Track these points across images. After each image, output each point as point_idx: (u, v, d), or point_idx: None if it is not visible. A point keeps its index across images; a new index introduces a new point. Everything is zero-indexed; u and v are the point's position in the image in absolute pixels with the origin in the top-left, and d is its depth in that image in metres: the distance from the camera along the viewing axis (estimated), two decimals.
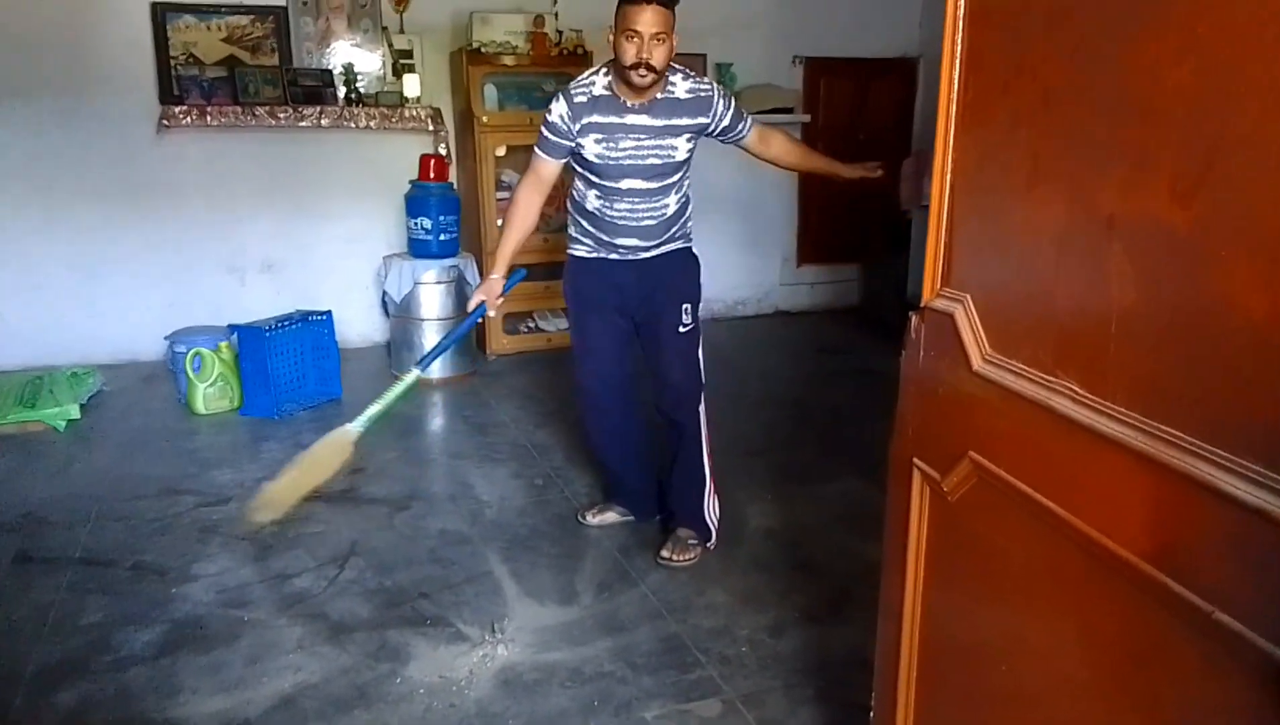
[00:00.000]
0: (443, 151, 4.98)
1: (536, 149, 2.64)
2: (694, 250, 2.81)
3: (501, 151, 4.89)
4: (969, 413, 1.27)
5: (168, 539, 2.94)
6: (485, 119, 4.84)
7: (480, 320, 2.79)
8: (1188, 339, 0.93)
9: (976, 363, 1.25)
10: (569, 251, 2.81)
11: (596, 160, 2.57)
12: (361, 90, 4.92)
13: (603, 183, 2.61)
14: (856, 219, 6.11)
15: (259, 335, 4.05)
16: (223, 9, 4.76)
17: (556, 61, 4.90)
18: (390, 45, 5.00)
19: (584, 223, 2.72)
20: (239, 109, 4.68)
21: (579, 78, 2.61)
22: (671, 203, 2.66)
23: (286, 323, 4.19)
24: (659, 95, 2.53)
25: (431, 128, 4.98)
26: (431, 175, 4.62)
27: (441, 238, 4.59)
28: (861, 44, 5.94)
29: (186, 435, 3.89)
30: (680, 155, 2.60)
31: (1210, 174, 0.90)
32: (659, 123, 2.54)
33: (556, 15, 4.95)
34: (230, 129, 4.74)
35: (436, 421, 4.27)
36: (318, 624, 2.46)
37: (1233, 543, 0.87)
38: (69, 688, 2.18)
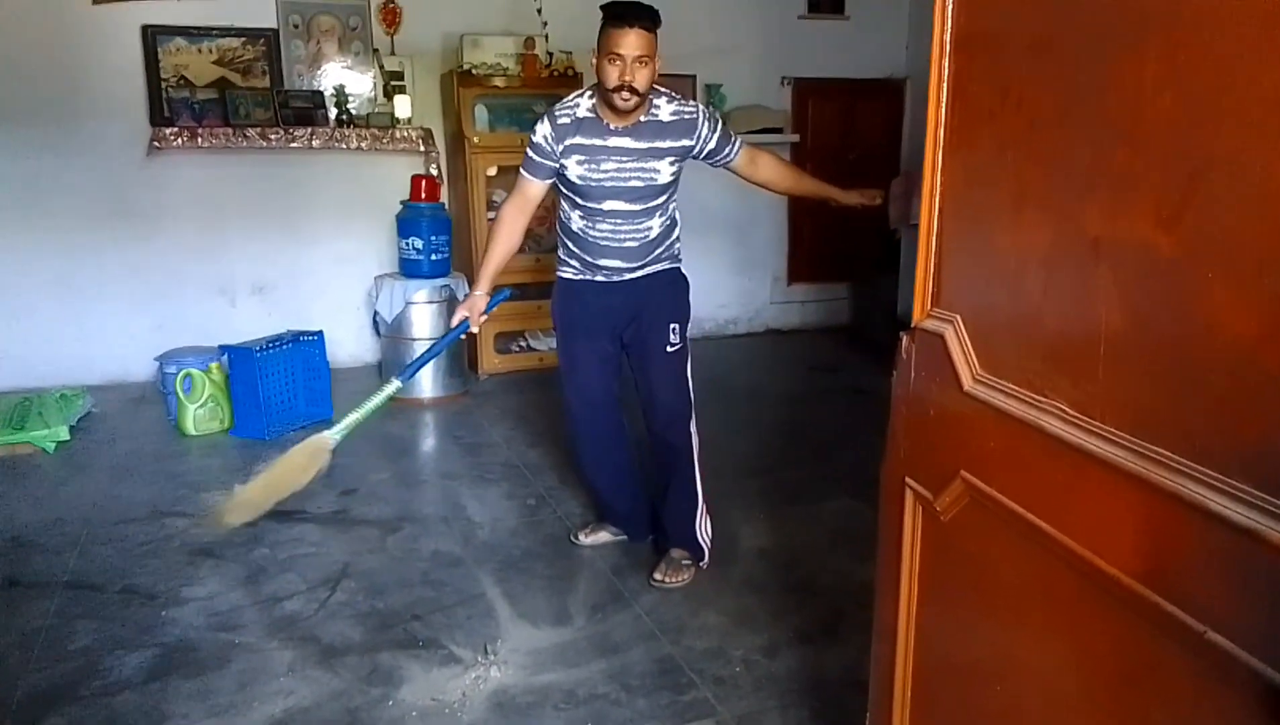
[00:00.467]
0: (434, 172, 4.99)
1: (522, 169, 2.66)
2: (683, 271, 2.81)
3: (492, 172, 4.91)
4: (960, 433, 1.28)
5: (157, 562, 2.92)
6: (476, 140, 4.86)
7: (463, 336, 2.77)
8: (1175, 360, 0.95)
9: (967, 383, 1.26)
10: (557, 273, 2.82)
11: (579, 181, 2.58)
12: (353, 112, 4.94)
13: (585, 204, 2.63)
14: (847, 238, 6.13)
15: (249, 356, 4.05)
16: (214, 31, 4.78)
17: (547, 83, 4.93)
18: (381, 67, 5.03)
19: (570, 244, 2.73)
20: (230, 131, 4.69)
21: (565, 100, 2.63)
22: (655, 225, 2.66)
23: (277, 343, 4.19)
24: (642, 118, 2.54)
25: (423, 149, 5.00)
26: (423, 196, 4.64)
27: (433, 258, 4.60)
28: (849, 65, 6.00)
29: (176, 457, 3.88)
30: (663, 178, 2.60)
31: (1194, 198, 0.91)
32: (642, 145, 2.54)
33: (547, 38, 4.99)
34: (221, 151, 4.75)
35: (428, 442, 4.26)
36: (309, 647, 2.44)
37: (1224, 563, 0.88)
38: (57, 713, 2.16)
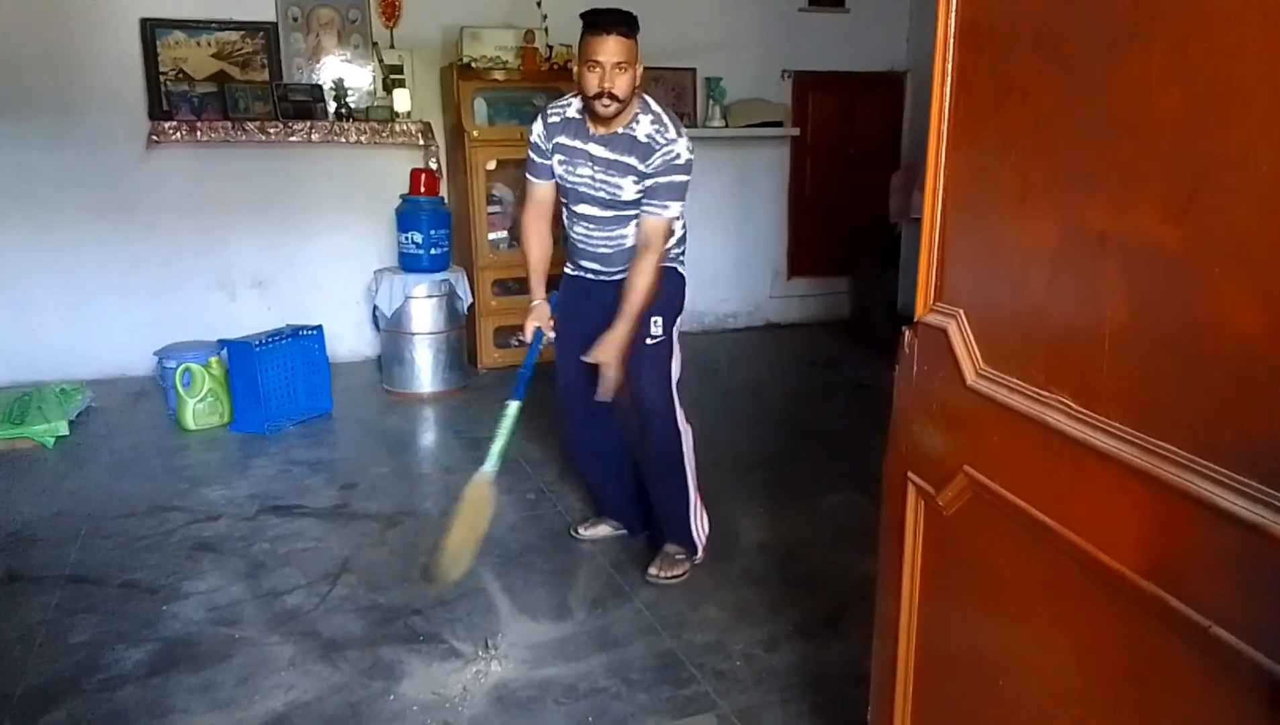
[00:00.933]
0: (433, 166, 4.98)
1: (526, 174, 2.70)
2: (678, 270, 2.72)
3: (492, 166, 4.90)
4: (963, 427, 1.28)
5: (158, 557, 2.92)
6: (476, 134, 4.85)
7: (542, 346, 2.76)
8: (1181, 355, 0.94)
9: (970, 377, 1.26)
10: (565, 267, 2.85)
11: (560, 180, 2.64)
12: (352, 105, 4.93)
13: (565, 203, 2.68)
14: (846, 232, 6.15)
15: (249, 350, 4.04)
16: (213, 24, 4.76)
17: (546, 77, 4.92)
18: (380, 61, 5.01)
19: (566, 240, 2.76)
20: (229, 124, 4.68)
21: (559, 99, 2.66)
22: (629, 233, 2.62)
23: (277, 338, 4.18)
24: (620, 129, 2.51)
25: (422, 142, 5.00)
26: (422, 190, 4.63)
27: (432, 252, 4.59)
28: (850, 58, 5.99)
29: (176, 451, 3.87)
30: (626, 195, 2.55)
31: (1201, 193, 0.91)
32: (611, 156, 2.53)
33: (547, 31, 4.97)
34: (220, 145, 4.74)
35: (428, 436, 4.26)
36: (310, 642, 2.44)
37: (1229, 558, 0.88)
38: (59, 708, 2.16)
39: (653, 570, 2.75)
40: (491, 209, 5.09)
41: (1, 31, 4.45)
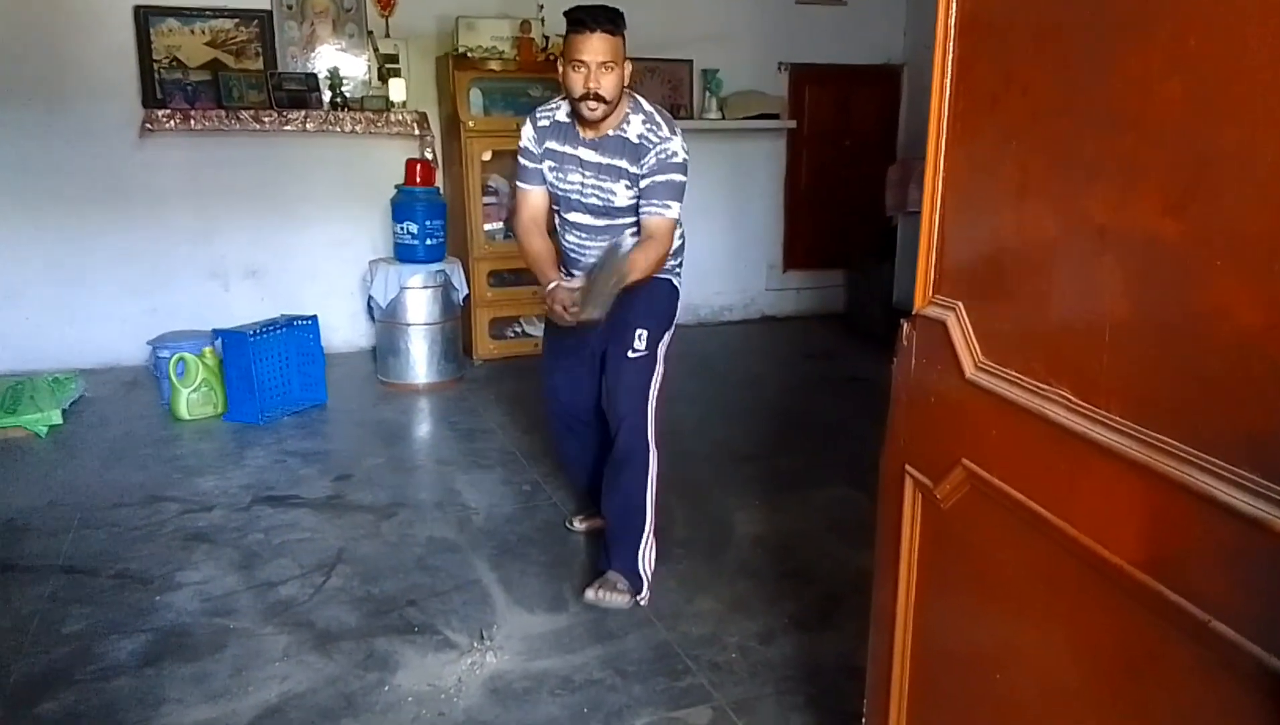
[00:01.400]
0: (429, 156, 4.97)
1: (517, 181, 2.59)
2: (674, 282, 2.64)
3: (487, 156, 4.88)
4: (961, 420, 1.28)
5: (151, 547, 2.91)
6: (471, 124, 4.83)
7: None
8: (1180, 348, 0.94)
9: (969, 370, 1.25)
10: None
11: (550, 187, 2.55)
12: (347, 95, 4.91)
13: (557, 210, 2.60)
14: (842, 225, 6.14)
15: (243, 340, 4.02)
16: (207, 12, 4.73)
17: (543, 67, 4.89)
18: (375, 50, 4.99)
19: (559, 244, 2.67)
20: (223, 113, 4.65)
21: (547, 102, 2.57)
22: (624, 243, 2.48)
23: (271, 328, 4.17)
24: (611, 131, 2.42)
25: (417, 132, 4.97)
26: (417, 180, 4.61)
27: (428, 242, 4.57)
28: (846, 51, 5.97)
29: (170, 441, 3.86)
30: (620, 201, 2.46)
31: (1200, 187, 0.91)
32: (603, 160, 2.44)
33: (543, 21, 4.95)
34: (214, 133, 4.71)
35: (423, 428, 4.25)
36: (304, 633, 2.44)
37: (1228, 551, 0.88)
38: (52, 698, 2.16)
39: (590, 594, 2.53)
40: (487, 200, 5.07)
41: None
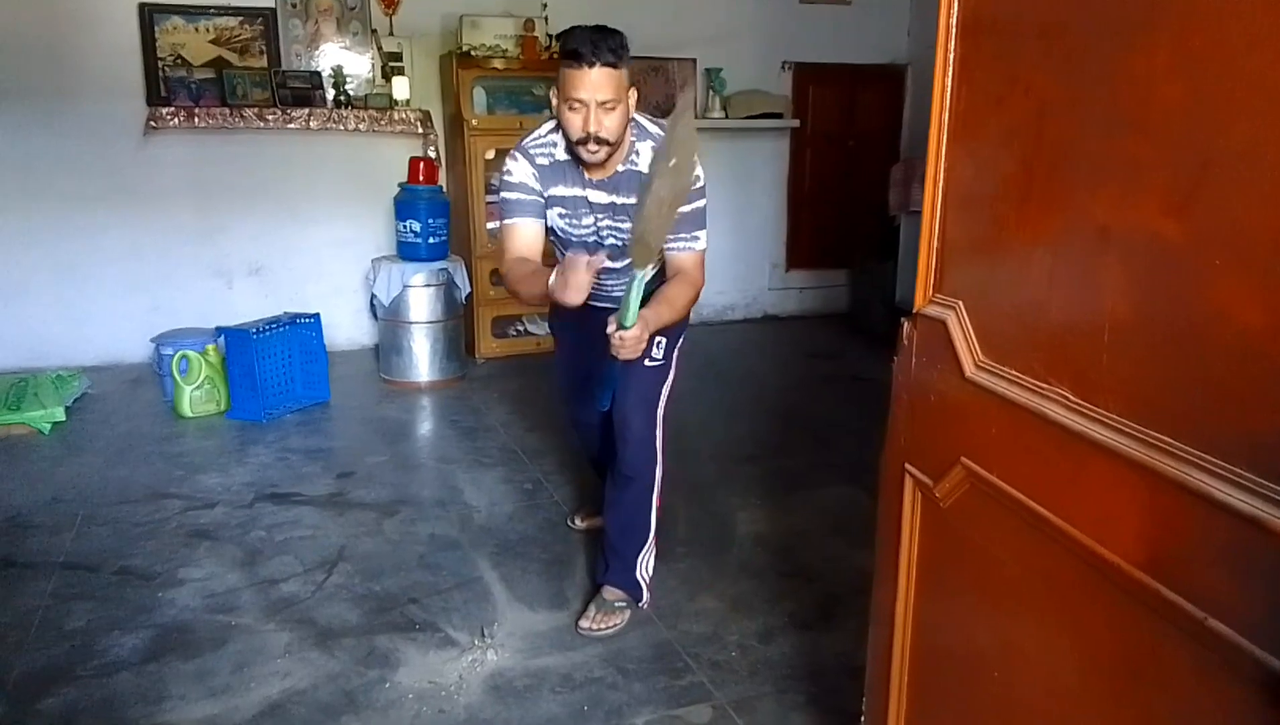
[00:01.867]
0: (432, 154, 4.97)
1: (505, 219, 2.27)
2: None
3: (491, 155, 4.88)
4: (961, 419, 1.28)
5: (154, 543, 2.92)
6: (475, 122, 4.84)
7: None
8: (1181, 348, 0.94)
9: (969, 369, 1.25)
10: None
11: (559, 232, 2.34)
12: (350, 93, 4.91)
13: (563, 250, 2.39)
14: (845, 225, 6.15)
15: (246, 338, 4.03)
16: (211, 10, 4.74)
17: (546, 65, 4.88)
18: (379, 48, 4.99)
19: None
20: (227, 111, 4.66)
21: (534, 135, 2.28)
22: (648, 270, 2.34)
23: (274, 325, 4.17)
24: (620, 167, 2.22)
25: (421, 131, 4.98)
26: (421, 178, 4.62)
27: (430, 241, 4.58)
28: (850, 50, 5.97)
29: (173, 439, 3.87)
30: None
31: (1203, 187, 0.91)
32: (619, 200, 2.21)
33: (546, 19, 4.96)
34: (218, 131, 4.72)
35: (425, 426, 4.26)
36: (306, 629, 2.45)
37: (1226, 550, 0.88)
38: (54, 694, 2.16)
39: (584, 623, 2.43)
40: (490, 198, 5.06)
41: None
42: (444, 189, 4.88)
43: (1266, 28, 0.84)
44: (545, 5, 4.95)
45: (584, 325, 2.53)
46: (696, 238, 2.27)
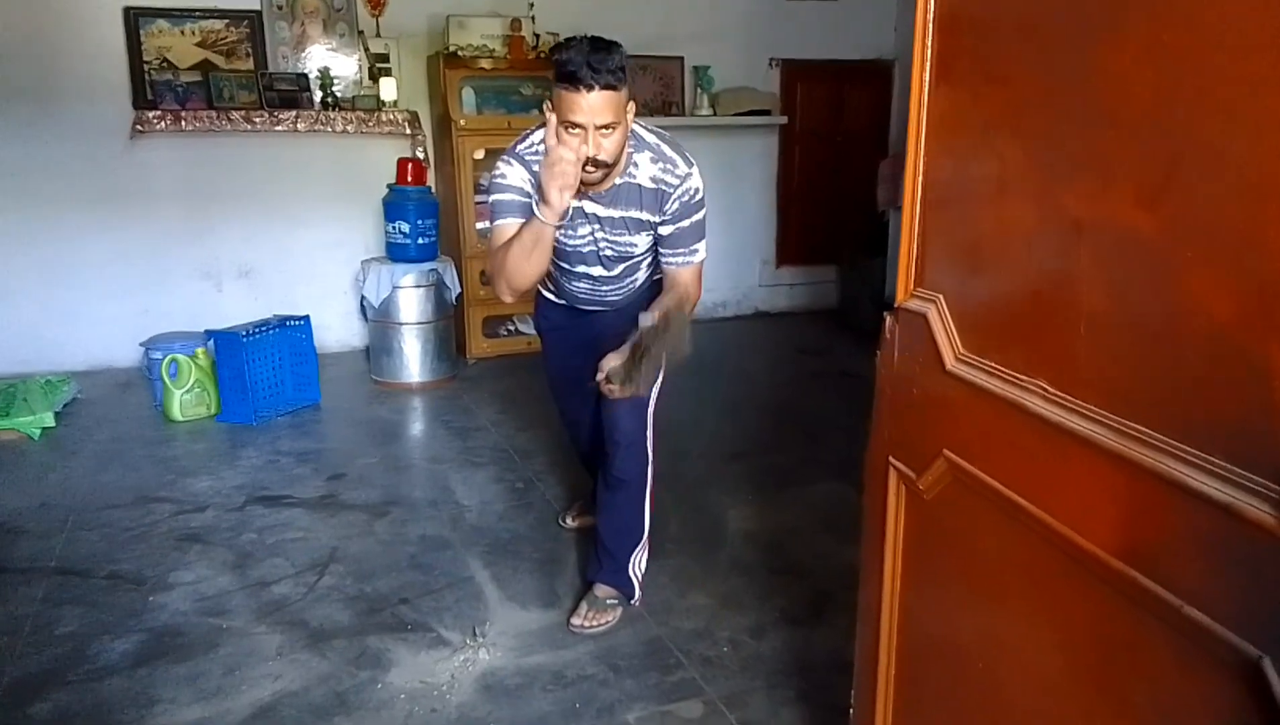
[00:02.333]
0: (420, 155, 4.97)
1: (497, 221, 2.17)
2: None
3: (480, 155, 4.88)
4: (943, 412, 1.29)
5: (144, 548, 2.91)
6: (463, 122, 4.84)
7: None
8: (1154, 339, 0.95)
9: (950, 362, 1.26)
10: (538, 289, 2.57)
11: (554, 242, 2.19)
12: (338, 94, 4.90)
13: (558, 262, 2.33)
14: (835, 221, 6.16)
15: (236, 341, 4.03)
16: (196, 13, 4.73)
17: (534, 65, 4.90)
18: (366, 49, 4.99)
19: (549, 276, 2.46)
20: (214, 114, 4.65)
21: (527, 141, 2.19)
22: (641, 276, 2.38)
23: (264, 328, 4.17)
24: (618, 180, 2.15)
25: (409, 132, 4.97)
26: (409, 179, 4.61)
27: (420, 241, 4.57)
28: (838, 47, 5.99)
29: (163, 442, 3.86)
30: (640, 249, 2.26)
31: (1173, 180, 0.92)
32: (617, 213, 2.17)
33: (534, 19, 4.95)
34: (205, 134, 4.71)
35: (416, 426, 4.25)
36: (297, 631, 2.45)
37: (1201, 538, 0.89)
38: (45, 699, 2.16)
39: (576, 620, 2.44)
40: (479, 198, 5.06)
41: None
42: (433, 190, 4.88)
43: (1235, 22, 0.85)
44: (532, 5, 4.95)
45: (572, 327, 2.55)
46: (695, 251, 2.25)
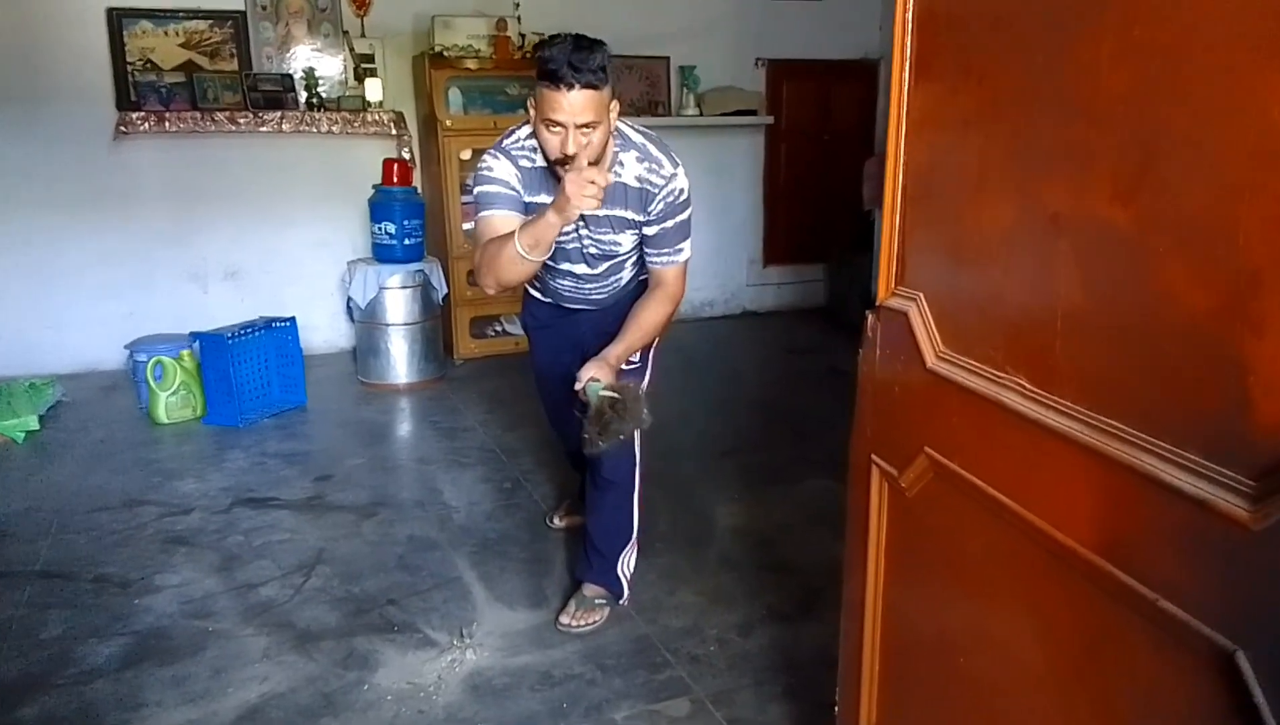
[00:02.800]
0: (406, 156, 4.96)
1: (482, 212, 2.15)
2: None
3: (466, 155, 4.88)
4: (924, 409, 1.29)
5: (130, 550, 2.90)
6: (449, 123, 4.83)
7: None
8: (1130, 334, 0.96)
9: (930, 360, 1.27)
10: (525, 287, 2.56)
11: None
12: (323, 95, 4.89)
13: (544, 261, 2.24)
14: (822, 219, 6.18)
15: (221, 343, 4.01)
16: (180, 14, 4.71)
17: (520, 65, 4.89)
18: (351, 50, 4.97)
19: (538, 288, 2.50)
20: (198, 115, 4.63)
21: (513, 137, 2.20)
22: (625, 276, 2.38)
23: (249, 330, 4.15)
24: None
25: (394, 132, 4.96)
26: (395, 180, 4.60)
27: (406, 242, 4.56)
28: (824, 46, 6.00)
29: (149, 445, 3.85)
30: (624, 248, 2.26)
31: (1149, 174, 0.92)
32: (601, 212, 2.12)
33: (519, 19, 4.95)
34: (189, 135, 4.70)
35: (403, 427, 4.25)
36: (284, 633, 2.44)
37: (1176, 533, 0.89)
38: (31, 703, 2.15)
39: (564, 619, 2.45)
40: (465, 199, 5.05)
41: None
42: (419, 190, 4.87)
43: (1208, 15, 0.85)
44: (518, 5, 4.94)
45: (558, 325, 2.55)
46: (680, 250, 2.25)
